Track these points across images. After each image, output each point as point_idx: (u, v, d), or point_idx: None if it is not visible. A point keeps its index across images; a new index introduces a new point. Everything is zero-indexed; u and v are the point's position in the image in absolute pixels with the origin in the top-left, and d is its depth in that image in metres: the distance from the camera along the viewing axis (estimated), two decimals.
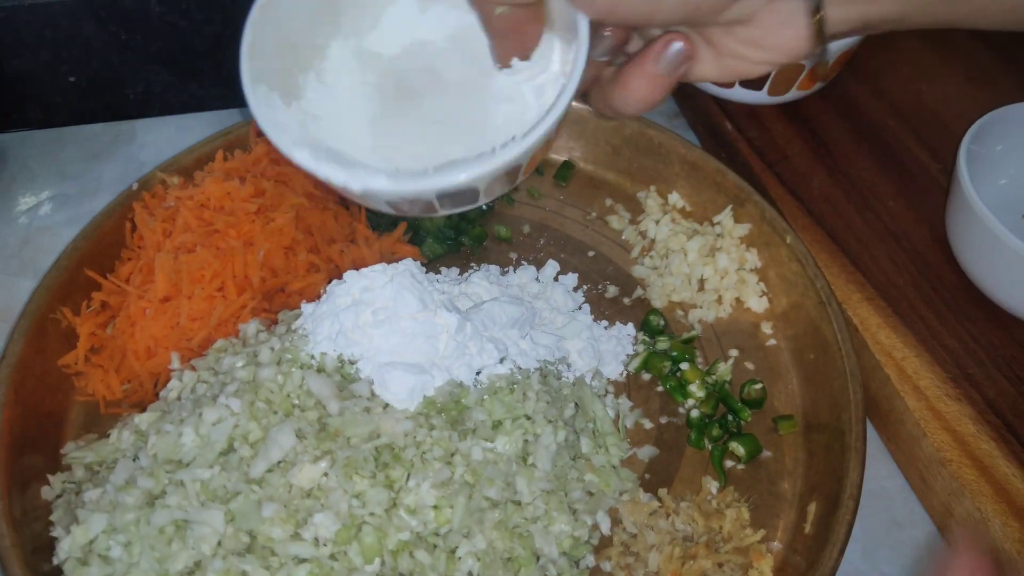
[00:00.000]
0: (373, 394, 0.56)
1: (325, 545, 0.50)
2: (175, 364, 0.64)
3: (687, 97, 0.90)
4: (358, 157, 0.49)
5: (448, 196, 0.44)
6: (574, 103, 0.44)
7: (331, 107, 0.52)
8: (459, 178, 0.43)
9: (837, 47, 0.77)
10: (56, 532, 0.55)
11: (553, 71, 0.45)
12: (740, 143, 0.82)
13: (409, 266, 0.60)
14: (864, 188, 0.78)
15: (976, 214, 0.63)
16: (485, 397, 0.58)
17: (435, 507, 0.53)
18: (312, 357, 0.58)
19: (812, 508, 0.60)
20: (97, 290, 0.69)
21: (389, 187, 0.44)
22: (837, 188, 0.78)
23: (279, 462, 0.53)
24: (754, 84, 0.80)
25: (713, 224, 0.77)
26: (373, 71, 0.51)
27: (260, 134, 0.78)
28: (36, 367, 0.64)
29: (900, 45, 0.91)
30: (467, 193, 0.45)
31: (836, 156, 0.81)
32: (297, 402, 0.56)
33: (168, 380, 0.63)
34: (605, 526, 0.60)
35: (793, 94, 0.82)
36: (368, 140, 0.51)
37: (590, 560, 0.59)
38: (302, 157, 0.44)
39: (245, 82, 0.49)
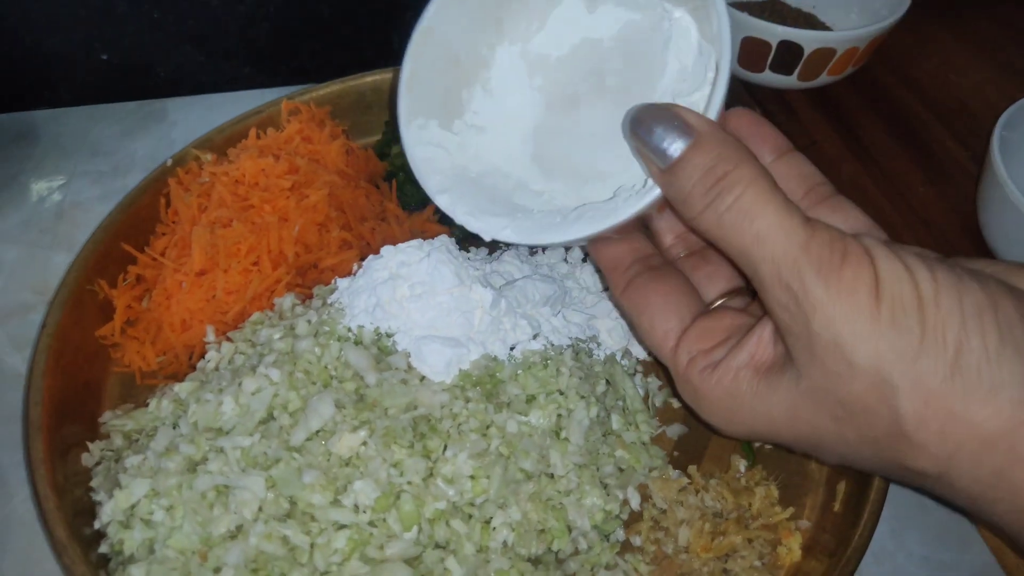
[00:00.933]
0: (410, 366, 0.57)
1: (364, 512, 0.51)
2: (210, 337, 0.65)
3: None
4: (515, 171, 0.51)
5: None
6: None
7: (496, 117, 0.53)
8: (581, 234, 0.46)
9: (867, 33, 0.77)
10: (98, 496, 0.55)
11: (705, 94, 0.45)
12: None
13: (445, 241, 0.60)
14: (893, 175, 0.78)
15: (1010, 199, 0.63)
16: (519, 372, 0.59)
17: (472, 477, 0.53)
18: (349, 330, 0.58)
19: (841, 487, 0.61)
20: (133, 263, 0.70)
21: (515, 238, 0.48)
22: (866, 175, 0.78)
23: (318, 431, 0.53)
24: (784, 68, 0.80)
25: None
26: (541, 74, 0.52)
27: (292, 113, 0.79)
28: (74, 337, 0.64)
29: (929, 36, 0.91)
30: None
31: (865, 143, 0.81)
32: (335, 373, 0.57)
33: (203, 353, 0.64)
34: (635, 502, 0.61)
35: (823, 79, 0.82)
36: (529, 149, 0.52)
37: (620, 534, 0.59)
38: (442, 201, 0.50)
39: (401, 118, 0.53)
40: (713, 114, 0.44)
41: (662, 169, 0.43)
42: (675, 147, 0.42)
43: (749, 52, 0.80)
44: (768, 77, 0.82)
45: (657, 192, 0.45)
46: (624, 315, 0.56)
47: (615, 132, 0.48)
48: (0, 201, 0.83)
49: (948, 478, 0.39)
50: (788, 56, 0.78)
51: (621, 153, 0.47)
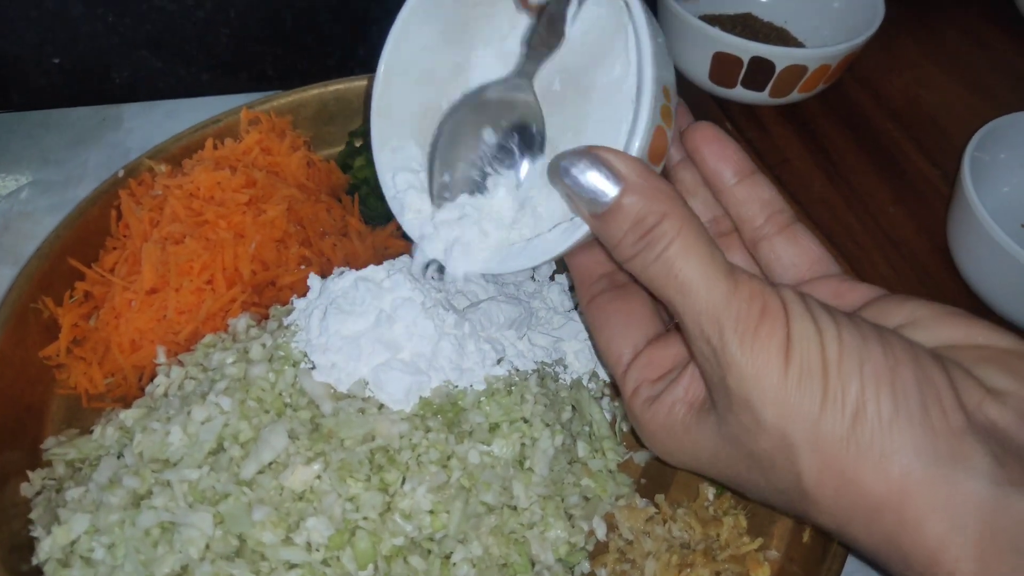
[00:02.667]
0: (368, 395, 0.54)
1: (318, 550, 0.49)
2: (161, 358, 0.62)
3: (686, 94, 0.89)
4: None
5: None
6: None
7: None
8: (518, 267, 0.49)
9: (839, 51, 0.76)
10: (36, 532, 0.53)
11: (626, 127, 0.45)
12: (740, 143, 0.81)
13: (406, 263, 0.58)
14: (864, 193, 0.77)
15: (979, 222, 0.63)
16: (482, 399, 0.57)
17: (431, 512, 0.51)
18: (304, 355, 0.56)
19: None
20: (80, 280, 0.67)
21: (471, 269, 0.51)
22: (836, 193, 0.78)
23: (270, 463, 0.51)
24: (756, 84, 0.79)
25: None
26: None
27: (252, 123, 0.77)
28: (16, 359, 0.61)
29: (900, 53, 0.91)
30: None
31: (836, 160, 0.80)
32: (289, 401, 0.54)
33: (153, 374, 0.61)
34: (601, 532, 0.59)
35: (794, 96, 0.81)
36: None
37: (585, 567, 0.57)
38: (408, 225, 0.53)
39: (375, 143, 0.54)
40: (636, 149, 0.43)
41: (591, 215, 0.43)
42: (603, 197, 0.41)
43: (721, 67, 0.78)
44: (740, 93, 0.81)
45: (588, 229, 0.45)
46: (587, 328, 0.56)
47: (588, 129, 0.47)
48: None
49: (848, 535, 0.40)
50: (760, 72, 0.77)
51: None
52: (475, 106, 0.53)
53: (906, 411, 0.36)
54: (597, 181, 0.41)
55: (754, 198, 0.49)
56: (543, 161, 0.51)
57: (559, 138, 0.50)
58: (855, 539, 0.39)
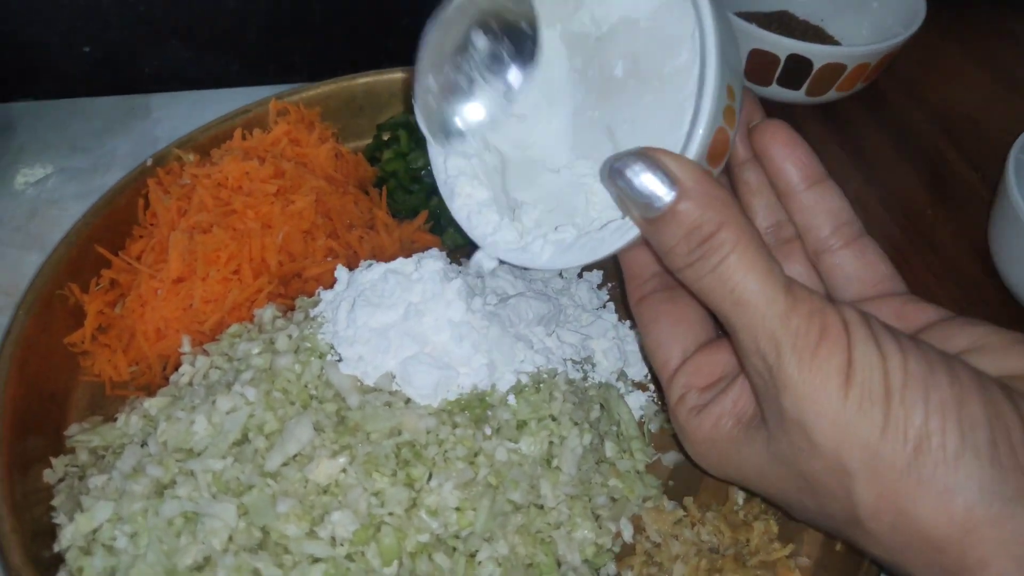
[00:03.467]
0: (395, 388, 0.54)
1: (342, 545, 0.48)
2: (186, 347, 0.61)
3: None
4: (557, 160, 0.51)
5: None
6: None
7: (537, 104, 0.52)
8: (571, 263, 0.47)
9: (879, 49, 0.75)
10: (58, 519, 0.52)
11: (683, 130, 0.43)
12: None
13: (436, 257, 0.57)
14: (901, 196, 0.76)
15: (1023, 226, 0.61)
16: (510, 396, 0.56)
17: (457, 509, 0.50)
18: (331, 347, 0.55)
19: None
20: (107, 267, 0.67)
21: (510, 259, 0.50)
22: (873, 194, 0.76)
23: (295, 456, 0.50)
24: (792, 83, 0.78)
25: None
26: (580, 55, 0.50)
27: (280, 114, 0.76)
28: (41, 345, 0.61)
29: (939, 52, 0.89)
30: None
31: (872, 161, 0.78)
32: (315, 393, 0.54)
33: (177, 364, 0.61)
34: (628, 533, 0.58)
35: (831, 95, 0.79)
36: (568, 137, 0.50)
37: (612, 568, 0.56)
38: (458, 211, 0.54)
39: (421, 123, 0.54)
40: (694, 152, 0.41)
41: (644, 219, 0.41)
42: (658, 202, 0.40)
43: (756, 65, 0.77)
44: (775, 91, 0.80)
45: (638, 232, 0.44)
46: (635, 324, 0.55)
47: (654, 120, 0.45)
48: None
49: (902, 569, 0.39)
50: (796, 70, 0.75)
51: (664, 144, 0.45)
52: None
53: (973, 445, 0.35)
54: (651, 184, 0.39)
55: (822, 207, 0.47)
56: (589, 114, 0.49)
57: (617, 128, 0.48)
58: (909, 571, 0.38)
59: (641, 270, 0.52)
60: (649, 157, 0.40)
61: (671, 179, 0.39)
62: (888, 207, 0.75)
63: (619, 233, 0.45)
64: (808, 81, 0.77)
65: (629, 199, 0.41)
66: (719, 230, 0.39)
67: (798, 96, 0.79)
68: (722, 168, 0.45)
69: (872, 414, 0.36)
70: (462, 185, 0.53)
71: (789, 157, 0.47)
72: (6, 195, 0.79)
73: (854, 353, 0.37)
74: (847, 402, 0.36)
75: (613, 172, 0.41)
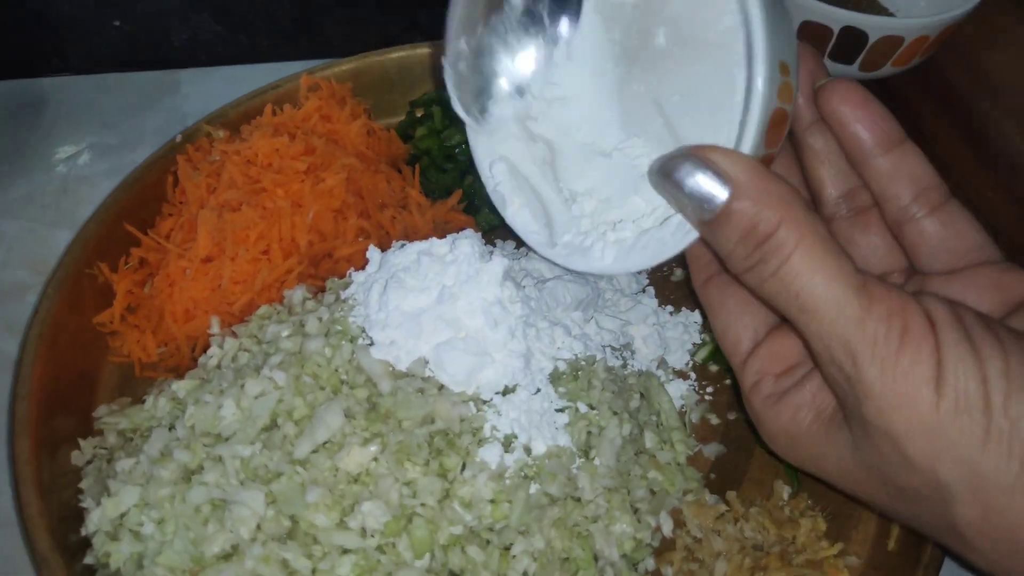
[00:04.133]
0: (428, 374, 0.52)
1: (372, 536, 0.46)
2: (215, 329, 0.60)
3: None
4: (607, 141, 0.48)
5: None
6: None
7: (577, 81, 0.49)
8: (632, 268, 0.46)
9: (940, 21, 0.71)
10: (86, 503, 0.51)
11: (736, 118, 0.40)
12: None
13: (471, 238, 0.55)
14: (959, 177, 0.72)
15: None
16: (548, 383, 0.53)
17: (492, 501, 0.48)
18: (362, 330, 0.53)
19: (896, 524, 0.55)
20: (136, 246, 0.66)
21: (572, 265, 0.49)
22: None
23: (325, 443, 0.49)
24: (845, 57, 0.74)
25: None
26: (618, 26, 0.47)
27: (311, 90, 0.74)
28: (70, 324, 0.60)
29: (999, 26, 0.84)
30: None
31: (929, 140, 0.74)
32: (345, 378, 0.52)
33: (206, 345, 0.59)
34: (667, 528, 0.55)
35: (887, 70, 0.75)
36: (616, 116, 0.48)
37: (650, 563, 0.54)
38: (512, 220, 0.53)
39: (470, 134, 0.53)
40: (748, 145, 0.38)
41: (700, 222, 0.38)
42: (712, 203, 0.37)
43: (807, 38, 0.73)
44: (827, 66, 0.76)
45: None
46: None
47: (705, 93, 0.42)
48: (3, 172, 0.78)
49: (1004, 574, 0.36)
50: (850, 44, 0.71)
51: (704, 120, 0.42)
52: None
53: None
54: (704, 184, 0.37)
55: (902, 173, 0.42)
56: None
57: (666, 101, 0.45)
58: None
59: (703, 251, 0.49)
60: (699, 157, 0.37)
61: (724, 177, 0.36)
62: None
63: (680, 232, 0.42)
64: (863, 55, 0.73)
65: (682, 202, 0.38)
66: (778, 229, 0.36)
67: (851, 71, 0.75)
68: (782, 144, 0.42)
69: (970, 425, 0.33)
70: (511, 192, 0.52)
71: (862, 119, 0.42)
72: (38, 171, 0.79)
73: (944, 356, 0.33)
74: (939, 412, 0.33)
75: (663, 176, 0.38)
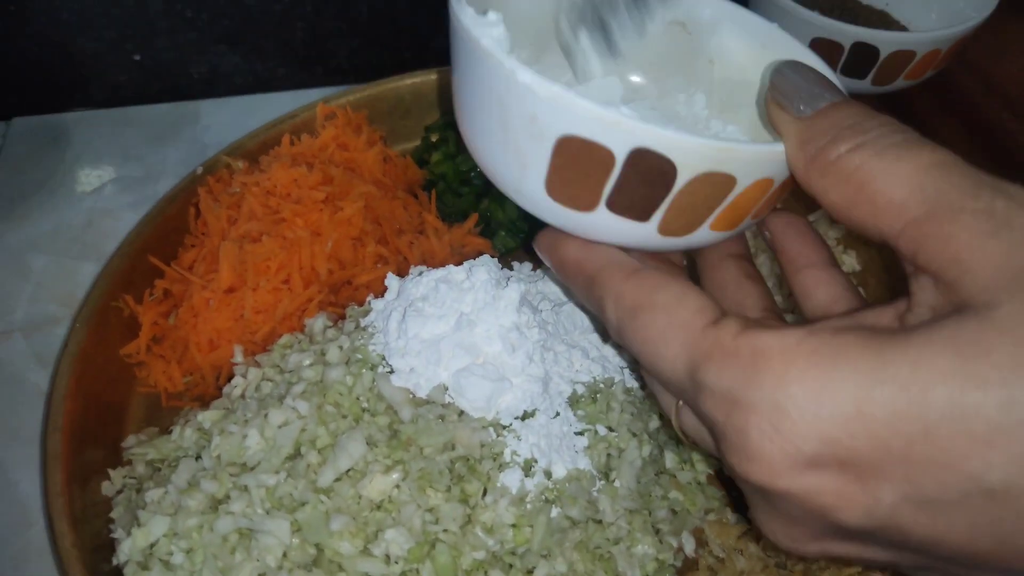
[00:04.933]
0: (448, 401, 0.52)
1: (396, 563, 0.47)
2: (238, 358, 0.61)
3: None
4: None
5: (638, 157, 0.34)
6: None
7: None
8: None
9: (952, 33, 0.71)
10: (116, 533, 0.52)
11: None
12: None
13: (487, 264, 0.56)
14: None
15: None
16: (566, 407, 0.54)
17: (514, 525, 0.49)
18: (382, 358, 0.54)
19: None
20: (160, 277, 0.67)
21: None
22: None
23: (348, 471, 0.49)
24: (857, 72, 0.74)
25: None
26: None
27: (328, 118, 0.75)
28: (98, 357, 0.61)
29: (1012, 36, 0.84)
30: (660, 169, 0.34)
31: None
32: (367, 406, 0.53)
33: (230, 373, 0.60)
34: (689, 548, 0.56)
35: (899, 83, 0.75)
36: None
37: None
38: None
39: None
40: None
41: (799, 114, 0.35)
42: (818, 100, 0.35)
43: (819, 54, 0.74)
44: (839, 81, 0.76)
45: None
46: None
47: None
48: (29, 207, 0.80)
49: None
50: (862, 59, 0.72)
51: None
52: None
53: None
54: (815, 87, 0.36)
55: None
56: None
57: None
58: None
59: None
60: (815, 71, 0.38)
61: (833, 90, 0.36)
62: None
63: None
64: (874, 70, 0.73)
65: (788, 92, 0.36)
66: (876, 125, 0.34)
67: (863, 86, 0.75)
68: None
69: None
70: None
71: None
72: (63, 205, 0.80)
73: None
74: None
75: (777, 71, 0.38)
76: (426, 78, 0.80)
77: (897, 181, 0.31)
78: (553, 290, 0.63)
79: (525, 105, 0.34)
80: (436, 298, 0.54)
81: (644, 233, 0.37)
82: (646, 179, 0.34)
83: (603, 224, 0.37)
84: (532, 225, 0.73)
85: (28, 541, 0.59)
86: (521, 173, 0.37)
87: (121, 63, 0.87)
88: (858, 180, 0.32)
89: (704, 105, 0.49)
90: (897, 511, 0.27)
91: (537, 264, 0.71)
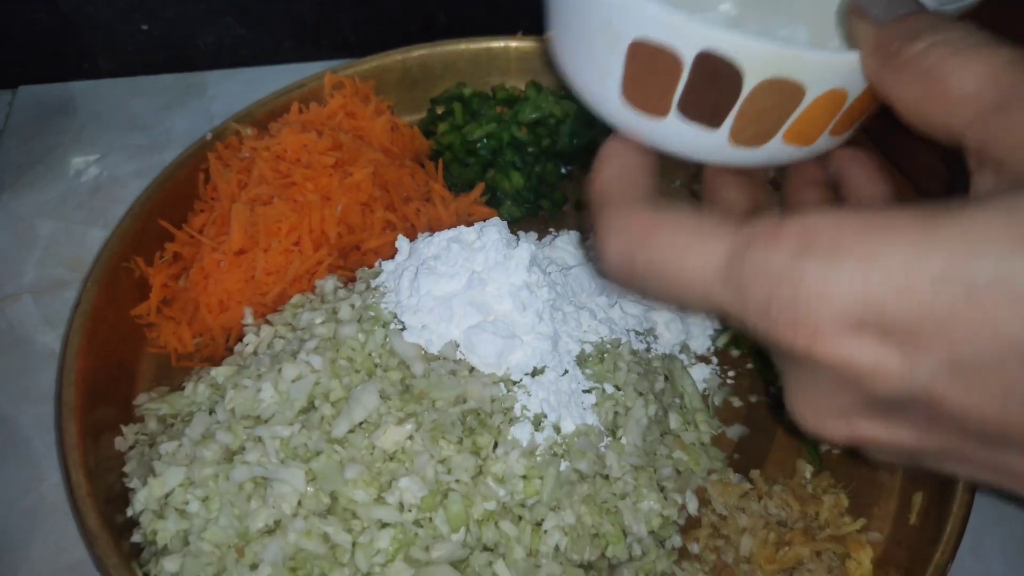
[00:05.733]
0: (459, 357, 0.53)
1: (410, 511, 0.48)
2: (249, 319, 0.62)
3: None
4: None
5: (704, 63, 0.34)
6: None
7: None
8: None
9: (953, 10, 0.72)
10: (131, 483, 0.53)
11: None
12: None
13: (498, 225, 0.57)
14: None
15: None
16: (575, 365, 0.55)
17: (524, 477, 0.50)
18: (394, 315, 0.55)
19: (918, 499, 0.56)
20: (170, 240, 0.68)
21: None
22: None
23: (361, 423, 0.50)
24: None
25: None
26: None
27: (336, 88, 0.76)
28: (109, 316, 0.62)
29: (1012, 27, 0.85)
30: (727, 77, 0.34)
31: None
32: (379, 361, 0.54)
33: (240, 335, 0.61)
34: (693, 506, 0.57)
35: None
36: None
37: (677, 540, 0.56)
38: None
39: None
40: None
41: (877, 21, 0.34)
42: (898, 7, 0.34)
43: None
44: None
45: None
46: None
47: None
48: (36, 175, 0.80)
49: None
50: None
51: None
52: None
53: None
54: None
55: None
56: None
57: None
58: None
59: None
60: None
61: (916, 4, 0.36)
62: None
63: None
64: None
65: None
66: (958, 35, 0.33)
67: None
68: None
69: None
70: None
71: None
72: (70, 173, 0.81)
73: None
74: None
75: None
76: (433, 51, 0.80)
77: (972, 75, 0.31)
78: (560, 255, 0.64)
79: (601, 12, 0.35)
80: (448, 257, 0.55)
81: (716, 142, 0.37)
82: (714, 84, 0.34)
83: (676, 131, 0.37)
84: (538, 195, 0.74)
85: (41, 495, 0.59)
86: (601, 83, 0.38)
87: (129, 33, 0.87)
88: (933, 76, 0.32)
89: (807, 39, 0.48)
90: (932, 379, 0.27)
91: (541, 234, 0.72)
